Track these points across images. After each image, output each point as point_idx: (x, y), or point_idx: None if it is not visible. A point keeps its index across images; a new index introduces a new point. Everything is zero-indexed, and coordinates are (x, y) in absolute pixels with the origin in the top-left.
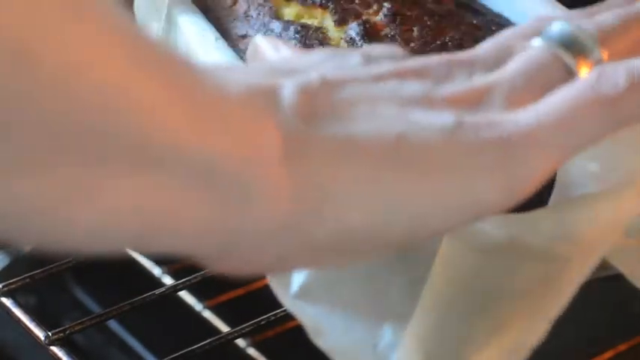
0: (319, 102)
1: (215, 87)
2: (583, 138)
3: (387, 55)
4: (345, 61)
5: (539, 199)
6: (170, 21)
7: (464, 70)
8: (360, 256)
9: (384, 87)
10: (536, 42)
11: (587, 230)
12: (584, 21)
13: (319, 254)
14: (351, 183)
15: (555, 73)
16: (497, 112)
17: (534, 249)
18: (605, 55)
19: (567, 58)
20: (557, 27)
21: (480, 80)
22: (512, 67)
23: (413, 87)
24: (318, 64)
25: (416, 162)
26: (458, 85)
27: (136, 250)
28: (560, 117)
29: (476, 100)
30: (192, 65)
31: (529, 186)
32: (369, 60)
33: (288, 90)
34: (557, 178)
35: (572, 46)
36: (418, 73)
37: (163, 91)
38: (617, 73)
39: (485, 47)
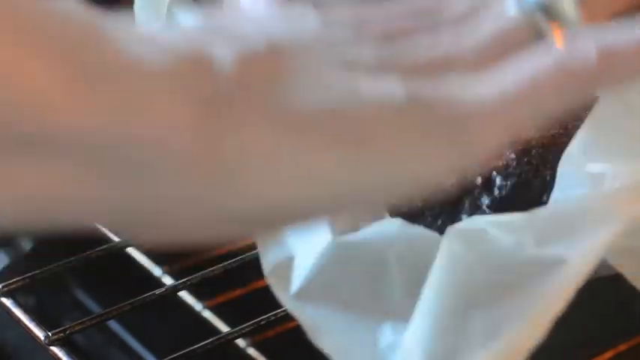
0: (260, 70)
1: (129, 58)
2: (545, 112)
3: (345, 15)
4: (300, 21)
5: (539, 199)
6: (171, 22)
7: (429, 25)
8: (286, 226)
9: (337, 52)
10: (512, 1)
11: (587, 230)
12: None
13: (236, 226)
14: (272, 154)
15: (528, 36)
16: (458, 80)
17: (534, 249)
18: (584, 15)
19: (542, 23)
20: None
21: (445, 43)
22: (483, 28)
23: (369, 51)
24: (269, 25)
25: (353, 136)
26: (420, 49)
27: (46, 227)
28: (523, 90)
29: (439, 65)
30: (106, 35)
31: (481, 161)
32: (327, 20)
33: (226, 57)
34: (557, 178)
35: (548, 10)
36: (379, 35)
37: (60, 69)
38: (588, 46)
39: None
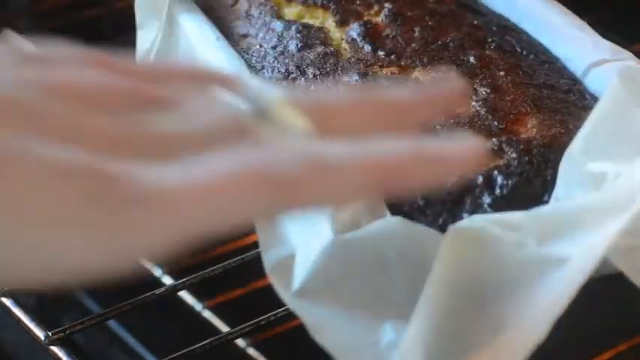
0: None
1: None
2: (234, 214)
3: (55, 54)
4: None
5: (541, 198)
6: (171, 20)
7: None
8: None
9: (25, 103)
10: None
11: (589, 229)
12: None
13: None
14: None
15: (234, 134)
16: (150, 160)
17: (535, 248)
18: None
19: (250, 124)
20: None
21: (154, 125)
22: (192, 118)
23: (56, 110)
24: None
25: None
26: (120, 124)
27: None
28: (210, 186)
29: (136, 146)
30: None
31: (143, 252)
32: (20, 60)
33: None
34: (559, 177)
35: (259, 113)
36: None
37: None
38: (294, 156)
39: (174, 74)
